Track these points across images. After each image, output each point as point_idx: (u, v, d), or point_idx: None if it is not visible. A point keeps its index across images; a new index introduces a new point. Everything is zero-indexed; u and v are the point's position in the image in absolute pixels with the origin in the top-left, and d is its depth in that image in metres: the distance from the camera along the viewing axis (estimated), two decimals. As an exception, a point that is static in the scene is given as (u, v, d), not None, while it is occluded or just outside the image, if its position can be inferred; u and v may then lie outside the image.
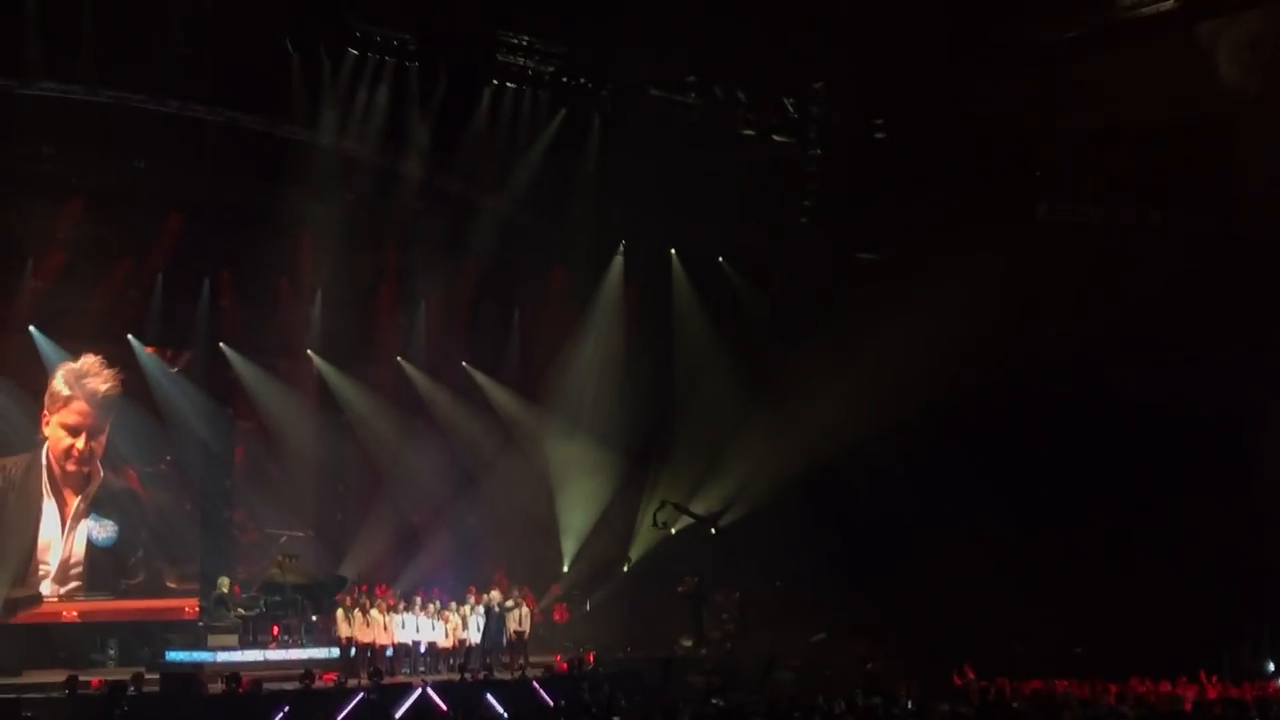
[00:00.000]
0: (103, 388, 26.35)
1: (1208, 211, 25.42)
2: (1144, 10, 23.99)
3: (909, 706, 17.25)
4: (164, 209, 26.22)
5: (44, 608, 25.72)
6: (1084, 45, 24.83)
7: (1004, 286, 25.55)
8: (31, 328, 25.71)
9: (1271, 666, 22.72)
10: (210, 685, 21.06)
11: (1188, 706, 17.72)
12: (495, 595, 25.62)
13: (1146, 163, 25.38)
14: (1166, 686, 19.28)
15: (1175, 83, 23.89)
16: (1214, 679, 20.01)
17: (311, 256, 27.61)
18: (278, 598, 24.58)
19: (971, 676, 20.90)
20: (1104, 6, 24.47)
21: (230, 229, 26.84)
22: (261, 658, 23.51)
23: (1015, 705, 18.07)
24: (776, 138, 27.39)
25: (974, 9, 24.96)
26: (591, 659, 25.12)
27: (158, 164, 25.59)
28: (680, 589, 28.23)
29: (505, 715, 20.34)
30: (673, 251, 30.04)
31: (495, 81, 25.94)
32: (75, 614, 25.95)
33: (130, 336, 26.68)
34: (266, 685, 21.16)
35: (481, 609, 25.26)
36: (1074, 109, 25.04)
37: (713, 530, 28.79)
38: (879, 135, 27.30)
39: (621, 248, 29.89)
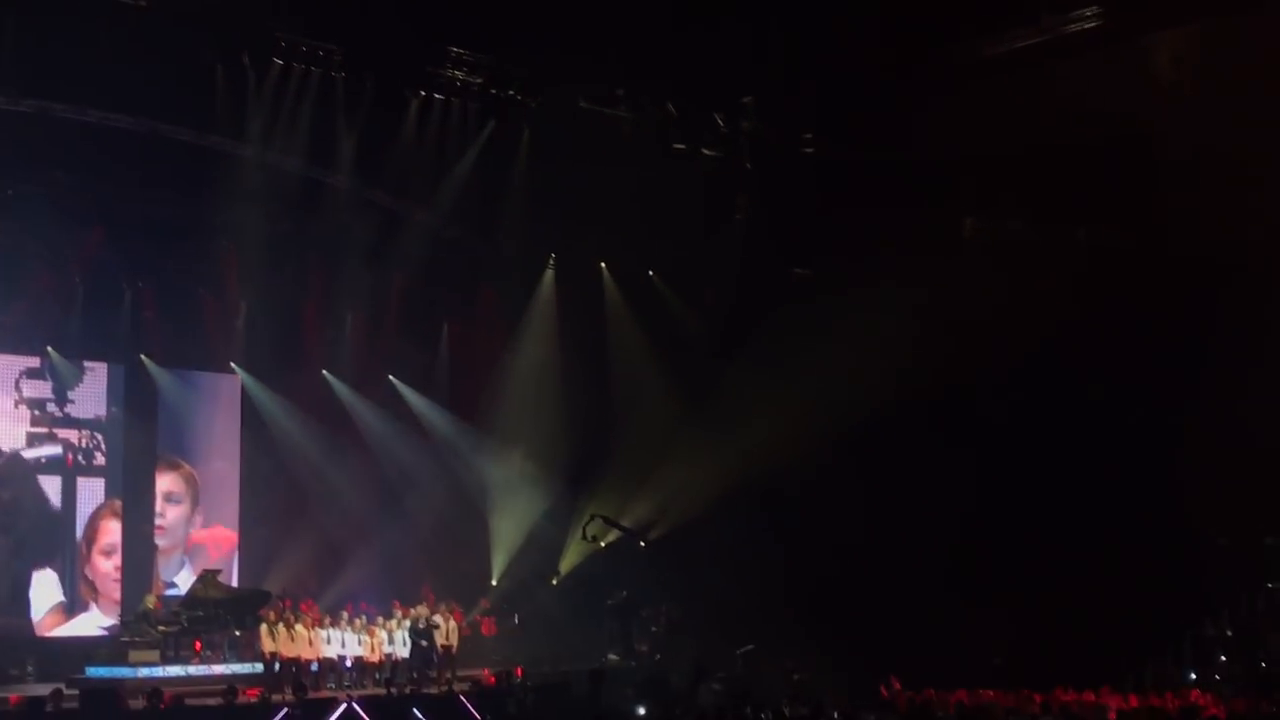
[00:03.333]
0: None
1: (1132, 227, 25.71)
2: (1068, 29, 24.18)
3: (835, 717, 17.29)
4: (85, 221, 25.86)
5: (-40, 625, 25.31)
6: (1008, 63, 25.03)
7: (933, 303, 25.64)
8: (-52, 340, 25.40)
9: (1193, 675, 22.91)
10: (131, 701, 20.72)
11: (1112, 716, 17.91)
12: (422, 610, 25.40)
13: (1071, 180, 25.56)
14: (1091, 696, 19.37)
15: (1099, 100, 24.12)
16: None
17: (236, 269, 27.33)
18: (200, 613, 24.24)
19: (898, 687, 20.92)
20: (1028, 25, 24.64)
21: (153, 241, 26.59)
22: (184, 673, 23.23)
23: (941, 715, 18.18)
24: (707, 151, 27.35)
25: (901, 28, 25.08)
26: (520, 673, 24.93)
27: (79, 175, 25.19)
28: (609, 602, 28.13)
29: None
30: (603, 265, 29.91)
31: (423, 93, 25.76)
32: (-8, 631, 25.51)
33: (50, 348, 26.32)
34: (189, 701, 20.97)
35: (408, 623, 25.04)
36: (999, 126, 25.18)
37: (642, 544, 28.70)
38: (807, 150, 27.40)
39: (552, 261, 29.78)
